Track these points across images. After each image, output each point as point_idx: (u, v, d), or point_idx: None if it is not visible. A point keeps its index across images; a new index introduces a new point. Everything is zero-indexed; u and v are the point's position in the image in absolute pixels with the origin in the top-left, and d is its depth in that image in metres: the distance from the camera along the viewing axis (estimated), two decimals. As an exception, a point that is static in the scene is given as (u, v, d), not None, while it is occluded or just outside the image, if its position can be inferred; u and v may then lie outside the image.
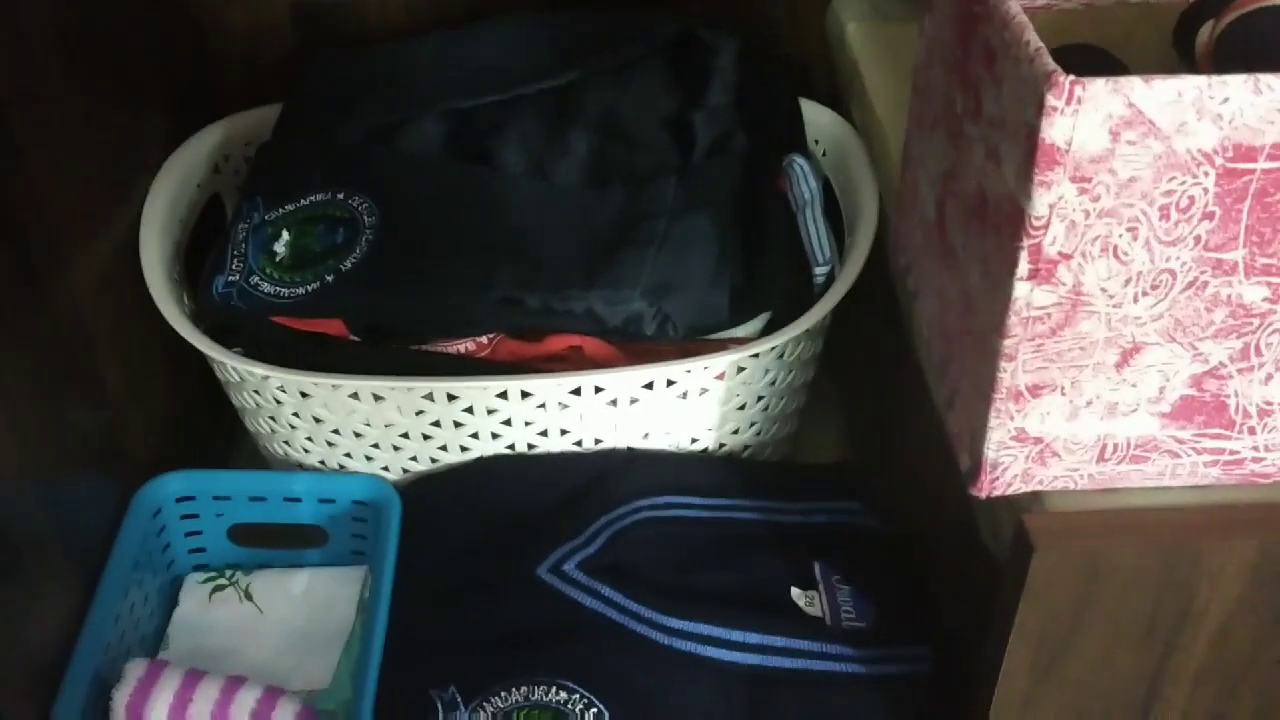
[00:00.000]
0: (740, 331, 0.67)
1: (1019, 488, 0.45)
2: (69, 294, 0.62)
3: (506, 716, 0.57)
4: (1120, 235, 0.38)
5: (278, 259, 0.65)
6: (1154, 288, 0.40)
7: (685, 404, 0.67)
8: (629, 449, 0.69)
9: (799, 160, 0.72)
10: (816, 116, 0.77)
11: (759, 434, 0.72)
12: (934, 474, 0.58)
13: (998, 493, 0.45)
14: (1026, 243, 0.39)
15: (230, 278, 0.65)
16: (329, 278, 0.63)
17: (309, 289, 0.63)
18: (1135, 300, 0.40)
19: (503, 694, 0.58)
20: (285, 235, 0.65)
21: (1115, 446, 0.44)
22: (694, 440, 0.70)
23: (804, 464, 0.76)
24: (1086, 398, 0.42)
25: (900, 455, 0.67)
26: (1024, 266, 0.39)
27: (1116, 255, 0.39)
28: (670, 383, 0.65)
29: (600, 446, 0.68)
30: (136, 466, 0.67)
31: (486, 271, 0.62)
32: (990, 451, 0.44)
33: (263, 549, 0.70)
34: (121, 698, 0.58)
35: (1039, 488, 0.45)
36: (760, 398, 0.69)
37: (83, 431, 0.64)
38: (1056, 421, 0.43)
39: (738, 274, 0.65)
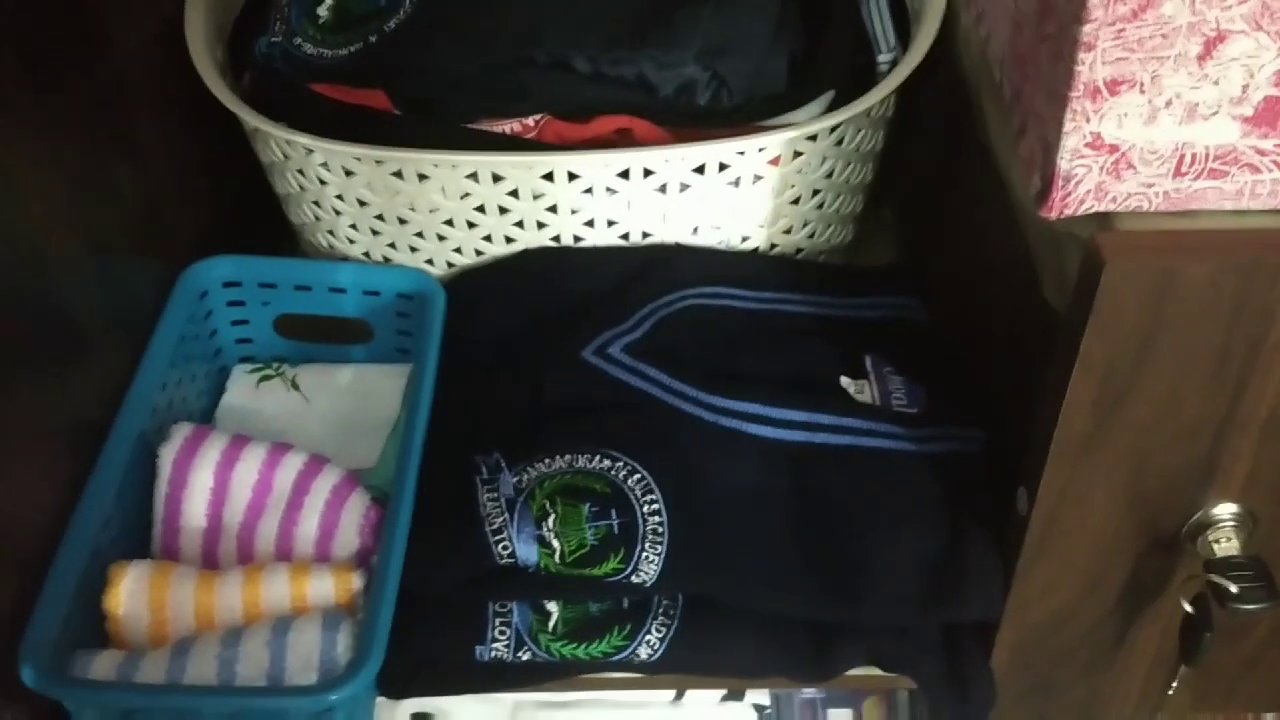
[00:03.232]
0: (798, 117, 0.65)
1: (1091, 205, 0.43)
2: (117, 69, 0.61)
3: (550, 479, 0.57)
4: (1213, -105, 0.36)
5: (320, 21, 0.63)
6: (1245, -41, 0.37)
7: (737, 193, 0.65)
8: (677, 244, 0.67)
9: (865, -47, 0.69)
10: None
11: (812, 236, 0.70)
12: (995, 247, 0.56)
13: (1069, 211, 0.43)
14: (1111, -95, 0.36)
15: (273, 39, 0.64)
16: (372, 38, 0.62)
17: (351, 50, 0.62)
18: (1224, -24, 0.38)
19: (546, 460, 0.58)
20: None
21: (1194, 157, 0.42)
22: (745, 239, 0.68)
23: (857, 265, 0.74)
24: (1166, 96, 0.40)
25: (958, 246, 0.64)
26: (1107, -67, 0.37)
27: (1207, -82, 0.36)
28: (723, 166, 0.63)
29: (648, 241, 0.67)
30: (183, 254, 0.67)
31: (532, 30, 0.60)
32: (1064, 162, 0.42)
33: (309, 343, 0.70)
34: (168, 454, 0.58)
35: (1111, 206, 0.43)
36: (816, 191, 0.67)
37: (130, 204, 0.63)
38: (1134, 125, 0.41)
39: (798, 45, 0.62)
